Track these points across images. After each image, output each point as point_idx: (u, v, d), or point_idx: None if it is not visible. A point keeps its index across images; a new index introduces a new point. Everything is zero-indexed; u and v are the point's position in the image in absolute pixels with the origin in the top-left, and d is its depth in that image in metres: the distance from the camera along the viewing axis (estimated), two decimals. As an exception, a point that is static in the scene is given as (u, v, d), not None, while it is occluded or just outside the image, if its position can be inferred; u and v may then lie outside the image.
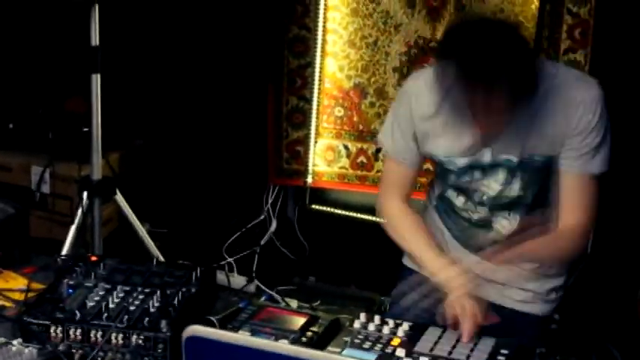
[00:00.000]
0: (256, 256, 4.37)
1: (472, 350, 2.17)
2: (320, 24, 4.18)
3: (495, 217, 2.56)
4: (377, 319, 2.29)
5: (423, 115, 2.47)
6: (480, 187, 2.51)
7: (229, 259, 4.35)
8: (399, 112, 2.55)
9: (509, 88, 2.19)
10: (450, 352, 2.16)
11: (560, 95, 2.36)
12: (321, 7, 4.14)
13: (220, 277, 4.13)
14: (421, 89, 2.47)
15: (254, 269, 4.32)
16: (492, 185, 2.49)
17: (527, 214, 2.53)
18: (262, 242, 4.41)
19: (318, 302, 4.00)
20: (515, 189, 2.48)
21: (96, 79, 3.58)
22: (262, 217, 4.42)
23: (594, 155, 2.40)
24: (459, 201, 2.59)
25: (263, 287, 4.16)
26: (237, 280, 4.26)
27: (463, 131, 2.39)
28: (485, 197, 2.52)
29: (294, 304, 3.92)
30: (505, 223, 2.56)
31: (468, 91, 2.19)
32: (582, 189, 2.44)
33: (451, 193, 2.61)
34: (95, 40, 3.54)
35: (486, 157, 2.45)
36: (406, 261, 2.75)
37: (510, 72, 2.17)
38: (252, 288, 4.22)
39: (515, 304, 2.63)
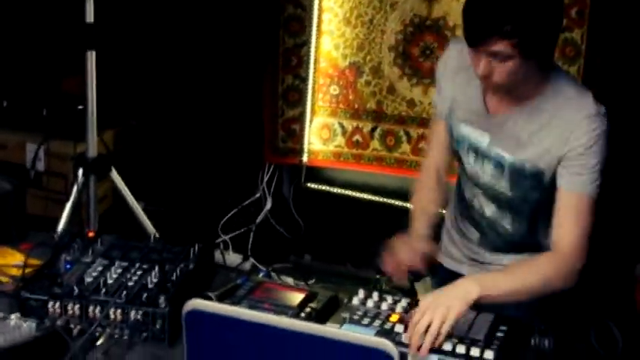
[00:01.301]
0: (251, 234, 4.37)
1: (471, 326, 2.17)
2: (315, 2, 4.17)
3: (502, 219, 2.57)
4: (375, 295, 2.30)
5: (451, 75, 2.54)
6: (477, 171, 2.53)
7: (224, 237, 4.35)
8: (437, 74, 2.63)
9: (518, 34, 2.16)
10: (449, 328, 2.16)
11: (558, 110, 2.35)
12: (317, -15, 4.14)
13: (215, 255, 4.12)
14: (452, 52, 2.55)
15: (249, 247, 4.32)
16: (484, 173, 2.51)
17: (530, 223, 2.54)
18: (258, 220, 4.42)
19: (314, 280, 3.99)
20: (503, 186, 2.48)
21: (91, 56, 3.57)
22: (258, 195, 4.42)
23: (589, 175, 2.33)
24: (468, 188, 2.61)
25: (258, 265, 4.15)
26: (233, 258, 4.24)
27: (474, 92, 2.44)
28: (480, 182, 2.53)
29: (289, 282, 3.91)
30: (510, 228, 2.57)
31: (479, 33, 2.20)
32: (575, 208, 2.35)
33: (464, 181, 2.65)
34: (90, 17, 3.53)
35: (484, 141, 2.46)
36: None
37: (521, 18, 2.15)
38: (247, 266, 4.21)
39: None
